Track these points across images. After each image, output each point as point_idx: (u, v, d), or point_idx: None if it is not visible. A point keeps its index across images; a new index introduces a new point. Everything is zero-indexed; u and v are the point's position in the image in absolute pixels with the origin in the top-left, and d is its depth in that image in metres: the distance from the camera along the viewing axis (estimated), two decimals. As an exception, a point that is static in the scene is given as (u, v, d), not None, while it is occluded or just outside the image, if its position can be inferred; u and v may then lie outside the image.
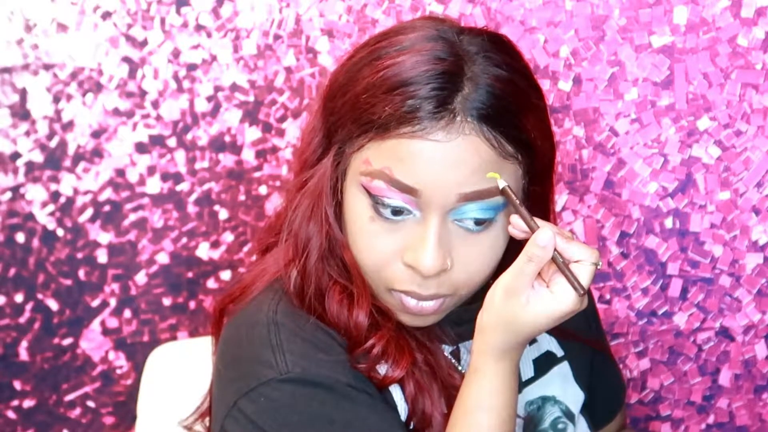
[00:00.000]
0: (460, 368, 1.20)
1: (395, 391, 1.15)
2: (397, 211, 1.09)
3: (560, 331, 1.27)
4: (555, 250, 1.05)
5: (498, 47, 1.12)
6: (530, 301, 1.05)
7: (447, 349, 1.21)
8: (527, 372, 1.25)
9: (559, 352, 1.30)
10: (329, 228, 1.15)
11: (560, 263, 1.05)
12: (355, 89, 1.11)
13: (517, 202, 1.08)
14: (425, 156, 1.07)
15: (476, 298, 1.15)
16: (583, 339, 1.32)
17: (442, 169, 1.07)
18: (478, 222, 1.10)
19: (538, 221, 1.07)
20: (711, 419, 1.79)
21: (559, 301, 1.04)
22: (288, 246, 1.17)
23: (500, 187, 1.08)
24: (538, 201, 1.17)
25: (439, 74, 1.08)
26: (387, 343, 1.13)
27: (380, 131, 1.08)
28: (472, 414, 1.07)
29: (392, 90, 1.08)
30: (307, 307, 1.15)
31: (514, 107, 1.10)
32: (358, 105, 1.10)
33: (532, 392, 1.25)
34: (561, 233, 1.06)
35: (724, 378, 1.78)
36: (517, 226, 1.08)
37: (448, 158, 1.07)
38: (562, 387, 1.28)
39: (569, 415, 1.28)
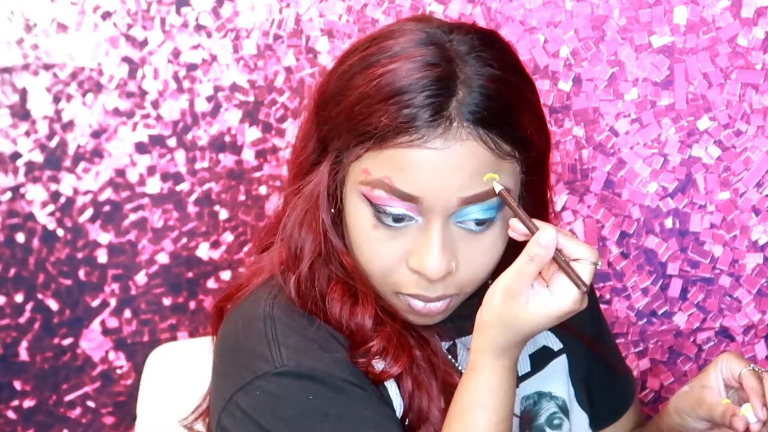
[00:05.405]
0: (457, 365, 1.20)
1: (391, 387, 1.15)
2: (399, 219, 1.10)
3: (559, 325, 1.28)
4: (556, 248, 1.05)
5: (488, 44, 1.12)
6: (530, 301, 1.05)
7: (444, 345, 1.21)
8: (524, 367, 1.25)
9: (557, 346, 1.30)
10: (324, 234, 1.15)
11: (561, 261, 1.05)
12: (348, 99, 1.10)
13: (515, 204, 1.08)
14: (425, 165, 1.07)
15: (474, 294, 1.16)
16: (581, 336, 1.32)
17: (441, 176, 1.08)
18: (480, 222, 1.11)
19: (537, 222, 1.07)
20: (711, 419, 1.79)
21: (560, 300, 1.05)
22: (282, 248, 1.18)
23: (497, 191, 1.08)
24: (535, 190, 1.18)
25: (433, 81, 1.07)
26: (388, 342, 1.14)
27: (378, 141, 1.08)
28: (470, 411, 1.07)
29: (387, 99, 1.07)
30: (309, 311, 1.15)
31: (509, 106, 1.10)
32: (352, 115, 1.09)
33: (529, 387, 1.26)
34: (561, 232, 1.06)
35: (724, 378, 1.78)
36: (516, 229, 1.08)
37: (447, 165, 1.07)
38: (559, 382, 1.28)
39: (565, 410, 1.28)
